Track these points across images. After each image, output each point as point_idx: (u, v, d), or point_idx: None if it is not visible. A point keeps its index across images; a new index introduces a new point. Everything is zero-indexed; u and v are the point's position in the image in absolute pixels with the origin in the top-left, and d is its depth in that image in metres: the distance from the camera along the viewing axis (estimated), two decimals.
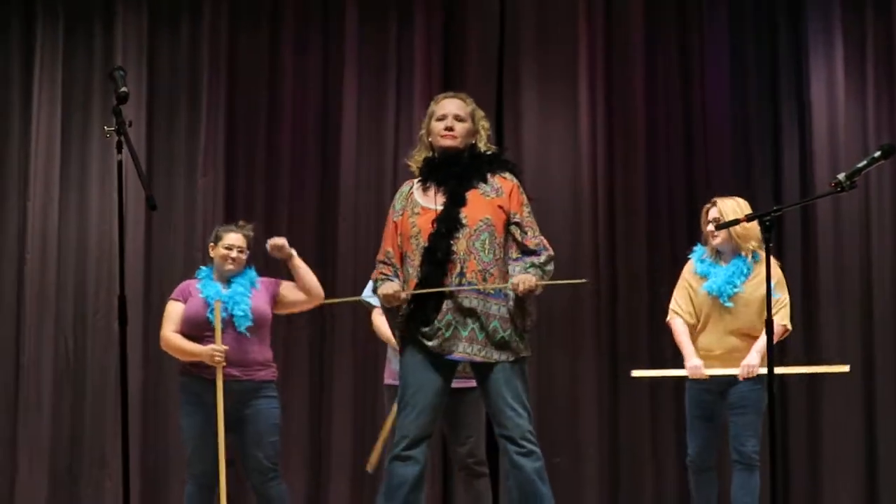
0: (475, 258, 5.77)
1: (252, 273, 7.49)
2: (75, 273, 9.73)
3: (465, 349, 5.78)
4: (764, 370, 7.04)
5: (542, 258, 5.86)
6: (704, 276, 7.58)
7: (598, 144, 9.63)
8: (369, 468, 7.42)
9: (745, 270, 7.48)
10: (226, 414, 7.21)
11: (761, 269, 7.39)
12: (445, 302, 5.77)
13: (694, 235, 8.07)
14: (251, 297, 7.34)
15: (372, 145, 9.77)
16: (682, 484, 8.36)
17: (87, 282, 9.71)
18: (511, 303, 5.82)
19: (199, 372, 7.23)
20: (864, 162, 5.75)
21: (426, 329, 5.79)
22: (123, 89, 5.51)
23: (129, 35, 9.84)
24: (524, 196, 5.98)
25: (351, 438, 9.48)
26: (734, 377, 7.42)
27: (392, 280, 5.86)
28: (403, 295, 5.79)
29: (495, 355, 5.80)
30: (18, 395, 9.60)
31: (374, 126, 9.80)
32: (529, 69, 9.76)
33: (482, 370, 5.85)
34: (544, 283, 5.84)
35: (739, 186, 9.21)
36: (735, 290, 7.43)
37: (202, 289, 7.37)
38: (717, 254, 7.60)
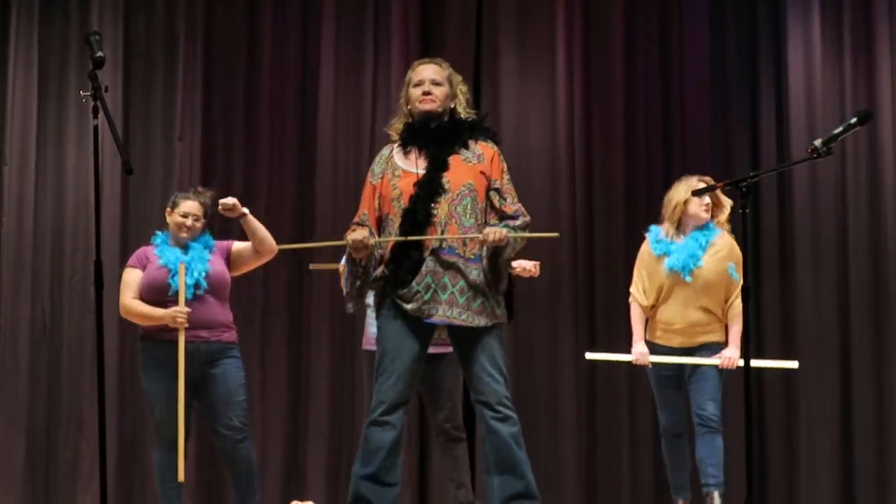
0: (456, 222, 5.77)
1: (208, 238, 7.45)
2: (52, 237, 9.74)
3: (445, 312, 5.77)
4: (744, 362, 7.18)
5: (518, 222, 5.86)
6: (664, 255, 7.66)
7: (575, 113, 9.61)
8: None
9: (704, 243, 7.58)
10: (192, 376, 7.21)
11: (718, 242, 7.58)
12: (424, 264, 5.76)
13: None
14: (210, 260, 7.32)
15: (350, 110, 9.76)
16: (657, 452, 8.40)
17: (63, 245, 9.71)
18: (486, 265, 5.81)
19: (162, 336, 7.19)
20: (841, 128, 5.80)
21: (404, 291, 5.77)
22: (99, 54, 5.53)
23: (102, 5, 9.77)
24: (504, 163, 5.99)
25: (328, 404, 9.50)
26: (692, 349, 7.55)
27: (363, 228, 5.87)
28: (372, 241, 5.76)
29: (475, 319, 5.79)
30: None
31: (352, 91, 9.79)
32: (508, 37, 9.74)
33: (460, 335, 5.86)
34: (515, 235, 5.79)
35: (717, 154, 9.45)
36: (696, 264, 7.52)
37: (160, 255, 7.33)
38: (676, 230, 7.66)
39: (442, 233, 5.74)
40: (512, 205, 5.90)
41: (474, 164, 5.87)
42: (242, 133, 9.80)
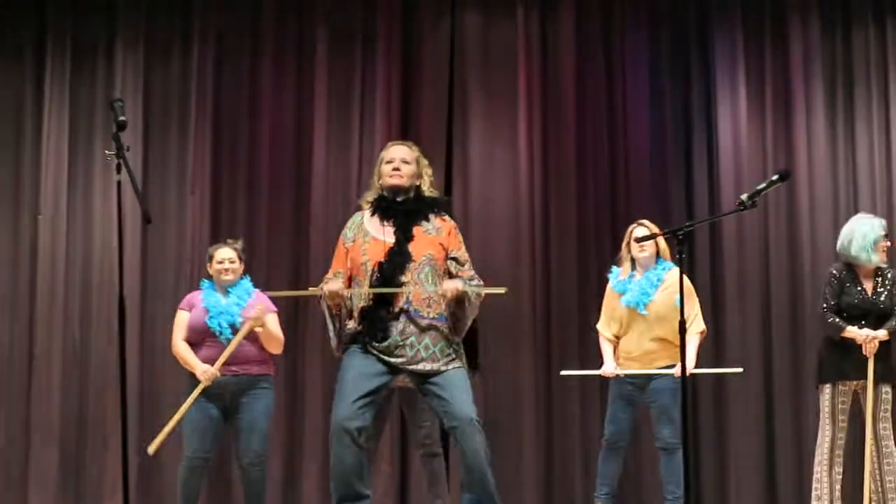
0: (420, 288, 5.79)
1: (247, 283, 7.53)
2: (81, 277, 9.66)
3: (416, 365, 5.77)
4: (696, 370, 7.36)
5: (474, 283, 5.87)
6: (622, 293, 7.74)
7: (535, 172, 9.64)
8: (150, 450, 7.40)
9: (656, 281, 7.65)
10: (223, 404, 7.31)
11: (669, 278, 7.65)
12: (395, 324, 5.77)
13: (616, 248, 8.14)
14: (246, 303, 7.39)
15: (339, 167, 9.74)
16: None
17: (90, 284, 9.64)
18: (449, 321, 5.84)
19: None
20: (764, 184, 5.84)
21: (378, 345, 5.78)
22: (122, 118, 5.57)
23: (127, 69, 9.78)
24: (460, 235, 6.03)
25: (322, 430, 9.06)
26: (652, 376, 7.59)
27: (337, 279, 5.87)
28: (345, 292, 5.77)
29: (440, 367, 5.78)
30: (31, 382, 9.53)
31: (342, 146, 9.76)
32: (476, 110, 9.77)
33: (428, 380, 5.82)
34: (470, 288, 5.78)
35: (656, 206, 9.44)
36: (649, 299, 7.60)
37: (204, 299, 7.43)
38: (633, 269, 7.75)
39: (408, 296, 5.73)
40: (468, 270, 5.93)
41: (434, 237, 5.90)
42: (245, 187, 9.77)
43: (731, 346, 9.23)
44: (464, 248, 6.03)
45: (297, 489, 9.34)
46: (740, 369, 8.08)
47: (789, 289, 9.38)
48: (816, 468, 7.50)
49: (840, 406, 7.49)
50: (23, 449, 9.53)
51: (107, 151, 5.79)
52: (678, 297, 7.44)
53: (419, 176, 6.04)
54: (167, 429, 7.38)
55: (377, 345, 5.78)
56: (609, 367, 7.72)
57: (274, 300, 7.51)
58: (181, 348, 7.36)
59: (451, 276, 5.91)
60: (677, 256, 5.99)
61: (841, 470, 7.49)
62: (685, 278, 7.56)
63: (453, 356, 5.87)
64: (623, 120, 9.76)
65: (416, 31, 9.92)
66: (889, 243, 7.61)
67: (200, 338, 7.36)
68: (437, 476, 7.35)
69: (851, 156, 9.61)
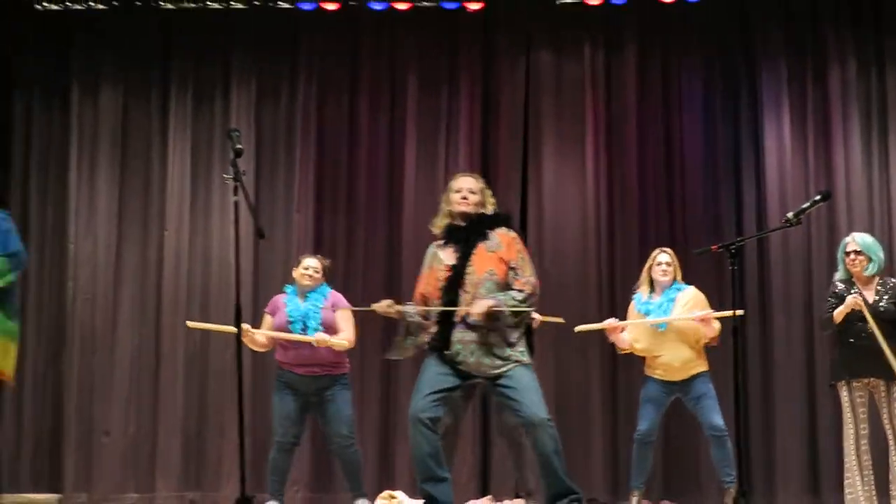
0: (474, 302, 5.89)
1: (325, 288, 7.75)
2: (200, 286, 9.88)
3: (478, 369, 5.94)
4: (715, 312, 7.58)
5: (520, 296, 5.96)
6: (646, 314, 7.89)
7: (600, 190, 9.73)
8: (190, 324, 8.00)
9: (671, 300, 7.82)
10: (309, 399, 7.59)
11: (682, 297, 7.85)
12: (453, 334, 5.94)
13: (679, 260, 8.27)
14: (322, 309, 7.62)
15: (427, 189, 9.82)
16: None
17: (209, 292, 9.85)
18: (504, 334, 5.95)
19: (291, 368, 7.59)
20: (807, 204, 5.98)
21: (448, 354, 5.96)
22: (239, 146, 5.70)
23: (241, 106, 10.01)
24: (520, 244, 6.11)
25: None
26: (687, 381, 7.78)
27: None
28: (392, 310, 6.07)
29: (500, 369, 5.93)
30: (158, 379, 9.74)
31: (429, 173, 9.90)
32: (547, 130, 9.87)
33: (495, 380, 5.97)
34: (506, 309, 5.87)
35: (709, 224, 9.55)
36: (666, 319, 7.74)
37: (287, 303, 7.68)
38: (651, 290, 7.93)
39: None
40: (522, 277, 6.00)
41: (494, 253, 5.99)
42: (344, 207, 9.90)
43: (778, 348, 9.29)
44: (521, 256, 6.07)
45: (390, 466, 9.43)
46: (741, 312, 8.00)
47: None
48: (846, 459, 7.51)
49: (858, 400, 7.46)
50: (150, 438, 9.70)
51: (225, 175, 5.96)
52: (695, 311, 7.69)
53: (483, 204, 6.17)
54: (214, 328, 7.96)
55: (445, 353, 5.96)
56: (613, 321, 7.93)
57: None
58: (254, 338, 7.66)
59: (508, 287, 5.99)
60: (729, 268, 5.98)
61: (869, 458, 7.47)
62: (698, 292, 7.84)
63: (515, 356, 5.97)
64: (679, 147, 9.81)
65: (494, 70, 10.02)
66: (854, 257, 7.53)
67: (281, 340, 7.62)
68: (523, 461, 7.54)
69: (885, 178, 9.58)
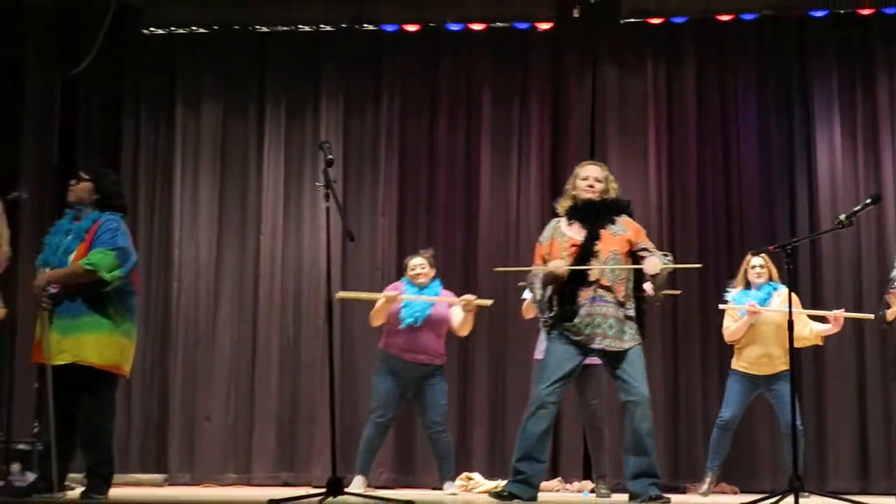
0: (605, 278, 6.01)
1: (437, 286, 7.88)
2: (293, 285, 9.98)
3: (601, 342, 5.99)
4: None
5: (668, 257, 6.21)
6: (761, 304, 7.87)
7: (662, 196, 9.75)
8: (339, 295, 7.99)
9: (767, 296, 7.84)
10: (409, 385, 7.71)
11: (777, 297, 7.83)
12: (583, 308, 5.99)
13: (732, 261, 8.44)
14: (435, 305, 7.75)
15: (501, 195, 9.93)
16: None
17: (301, 291, 9.94)
18: (629, 311, 6.05)
19: (398, 353, 7.70)
20: (859, 206, 5.98)
21: (570, 325, 6.01)
22: (330, 157, 5.76)
23: (329, 120, 10.12)
24: (643, 230, 6.25)
25: (486, 402, 9.59)
26: (772, 376, 7.79)
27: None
28: (564, 269, 5.99)
29: (622, 345, 6.01)
30: (255, 370, 9.86)
31: (502, 181, 9.97)
32: (612, 140, 9.90)
33: (611, 356, 6.05)
34: (666, 266, 6.08)
35: (764, 227, 9.52)
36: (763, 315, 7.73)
37: (405, 291, 7.81)
38: (748, 287, 7.94)
39: (595, 285, 5.97)
40: (655, 250, 6.14)
41: (620, 236, 6.08)
42: (425, 211, 9.99)
43: (829, 341, 8.96)
44: (646, 239, 6.21)
45: (467, 450, 9.40)
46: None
47: (877, 295, 8.98)
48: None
49: None
50: (247, 424, 9.81)
51: (317, 183, 6.04)
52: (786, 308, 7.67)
53: (607, 191, 6.27)
54: (364, 296, 8.03)
55: (569, 325, 5.99)
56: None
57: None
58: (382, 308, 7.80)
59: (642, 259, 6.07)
60: (785, 267, 6.02)
61: None
62: (791, 294, 7.83)
63: (633, 335, 6.05)
64: (736, 156, 9.78)
65: (562, 86, 10.03)
66: None
67: (393, 321, 7.75)
68: (600, 445, 7.62)
69: None
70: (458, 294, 8.11)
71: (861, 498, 5.69)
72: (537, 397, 6.04)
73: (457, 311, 7.82)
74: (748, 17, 9.78)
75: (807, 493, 5.41)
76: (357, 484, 7.56)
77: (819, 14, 9.70)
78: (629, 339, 6.05)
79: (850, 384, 9.36)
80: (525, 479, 5.99)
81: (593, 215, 6.18)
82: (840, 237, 9.31)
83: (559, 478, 9.07)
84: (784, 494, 5.28)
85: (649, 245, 6.19)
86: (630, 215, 6.30)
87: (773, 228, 9.56)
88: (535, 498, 6.01)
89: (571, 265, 6.02)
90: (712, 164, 9.85)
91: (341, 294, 8.46)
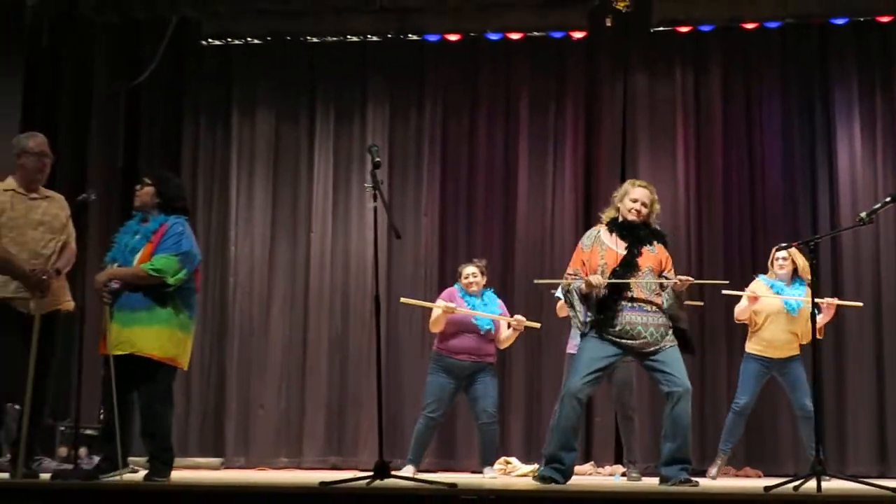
0: (641, 290, 6.09)
1: (491, 294, 7.87)
2: (342, 280, 10.03)
3: (639, 347, 6.07)
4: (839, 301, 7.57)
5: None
6: (778, 293, 7.86)
7: (690, 196, 9.74)
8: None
9: (802, 293, 7.81)
10: (462, 382, 7.70)
11: (807, 291, 7.77)
12: (622, 314, 6.06)
13: (756, 259, 8.38)
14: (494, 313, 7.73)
15: (537, 197, 9.94)
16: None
17: (349, 286, 9.99)
18: (664, 317, 6.12)
19: (451, 354, 7.66)
20: (879, 204, 5.94)
21: (612, 330, 6.07)
22: (378, 160, 5.72)
23: (376, 125, 10.17)
24: (670, 259, 6.30)
25: (524, 395, 9.63)
26: (785, 359, 7.74)
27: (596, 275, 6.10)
28: (603, 282, 6.03)
29: (659, 345, 6.08)
30: (305, 361, 9.93)
31: (538, 181, 9.98)
32: (643, 145, 9.90)
33: (651, 357, 6.10)
34: (694, 281, 6.25)
35: (787, 226, 9.47)
36: (799, 305, 7.74)
37: (465, 300, 7.77)
38: (779, 280, 7.88)
39: (632, 295, 6.05)
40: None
41: (654, 255, 6.16)
42: (465, 210, 10.02)
43: (849, 332, 9.20)
44: (671, 268, 6.28)
45: (505, 436, 9.15)
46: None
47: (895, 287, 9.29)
48: None
49: None
50: (298, 411, 9.89)
51: (365, 185, 6.08)
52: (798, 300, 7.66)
53: (651, 213, 6.32)
54: (424, 304, 8.03)
55: (611, 330, 6.06)
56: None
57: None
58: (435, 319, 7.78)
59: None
60: (809, 262, 6.01)
61: None
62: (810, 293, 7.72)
63: (669, 337, 6.11)
64: (760, 157, 9.76)
65: (595, 92, 10.03)
66: None
67: (457, 329, 7.71)
68: (631, 433, 7.58)
69: None
70: (506, 304, 8.18)
71: (880, 481, 5.62)
72: (570, 390, 6.09)
73: (503, 325, 7.83)
74: (772, 25, 9.72)
75: (828, 477, 5.34)
76: (407, 471, 7.55)
77: (839, 21, 9.63)
78: (668, 340, 6.13)
79: (868, 371, 9.31)
80: (560, 465, 6.03)
81: (636, 233, 6.26)
82: (860, 234, 9.25)
83: (591, 462, 9.08)
84: (807, 478, 5.23)
85: (672, 271, 6.28)
86: (665, 245, 6.36)
87: (795, 226, 9.51)
88: (568, 480, 6.06)
89: (610, 276, 6.09)
90: (738, 165, 9.82)
91: (404, 300, 8.48)
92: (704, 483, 7.43)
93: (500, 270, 9.75)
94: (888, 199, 5.95)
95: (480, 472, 7.99)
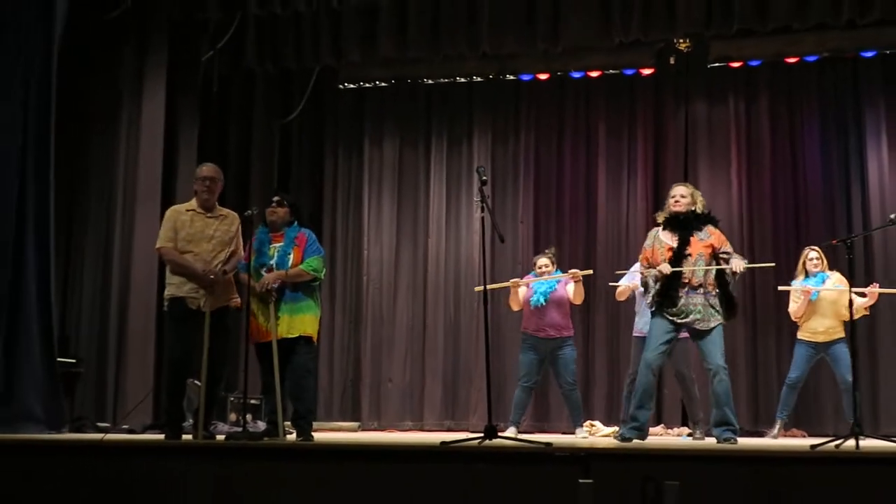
0: (695, 276, 6.03)
1: (556, 274, 7.72)
2: (453, 277, 10.08)
3: (694, 323, 6.03)
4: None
5: (745, 261, 6.14)
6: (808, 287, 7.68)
7: (742, 204, 9.59)
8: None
9: (821, 281, 7.64)
10: (545, 355, 7.57)
11: (830, 280, 7.63)
12: (681, 298, 6.02)
13: (800, 255, 8.03)
14: (554, 289, 7.62)
15: (614, 205, 9.86)
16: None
17: (460, 281, 10.02)
18: (716, 298, 6.03)
19: (533, 333, 7.60)
20: None
21: (672, 309, 6.04)
22: (485, 178, 5.64)
23: (481, 148, 10.21)
24: (724, 236, 6.21)
25: (606, 365, 9.54)
26: (830, 343, 7.55)
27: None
28: (668, 270, 6.01)
29: (708, 325, 6.01)
30: (425, 342, 9.99)
31: (615, 195, 9.87)
32: (703, 164, 9.76)
33: (699, 334, 6.05)
34: (746, 265, 6.10)
35: (825, 227, 9.26)
36: (818, 294, 7.58)
37: (535, 287, 7.72)
38: (806, 277, 7.74)
39: (687, 281, 5.98)
40: (735, 255, 6.13)
41: (704, 240, 6.08)
42: (555, 218, 9.98)
43: (881, 316, 8.92)
44: (728, 244, 6.18)
45: (589, 404, 9.28)
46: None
47: None
48: None
49: None
50: (420, 384, 9.96)
51: (475, 199, 6.19)
52: (839, 285, 7.50)
53: (693, 203, 6.23)
54: (496, 286, 7.92)
55: (671, 310, 6.03)
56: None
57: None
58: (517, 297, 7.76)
59: (724, 261, 6.08)
60: (846, 257, 5.82)
61: None
62: (840, 275, 7.58)
63: (717, 317, 6.03)
64: (802, 171, 9.59)
65: (662, 118, 9.94)
66: None
67: (527, 309, 7.70)
68: (692, 400, 7.50)
69: None
70: (587, 295, 8.08)
71: None
72: (645, 360, 6.09)
73: (570, 287, 7.70)
74: (811, 59, 9.54)
75: (864, 437, 5.23)
76: (510, 432, 7.54)
77: (868, 54, 9.42)
78: (714, 320, 6.04)
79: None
80: (638, 425, 6.03)
81: (683, 224, 6.16)
82: (889, 232, 9.01)
83: (662, 424, 8.99)
84: (846, 437, 5.12)
85: (730, 249, 6.16)
86: (715, 225, 6.24)
87: (833, 227, 9.31)
88: (645, 437, 6.08)
89: (671, 265, 6.04)
90: (783, 179, 9.65)
91: (478, 288, 8.45)
92: (765, 441, 7.34)
93: (583, 265, 9.55)
94: None
95: (572, 433, 7.94)
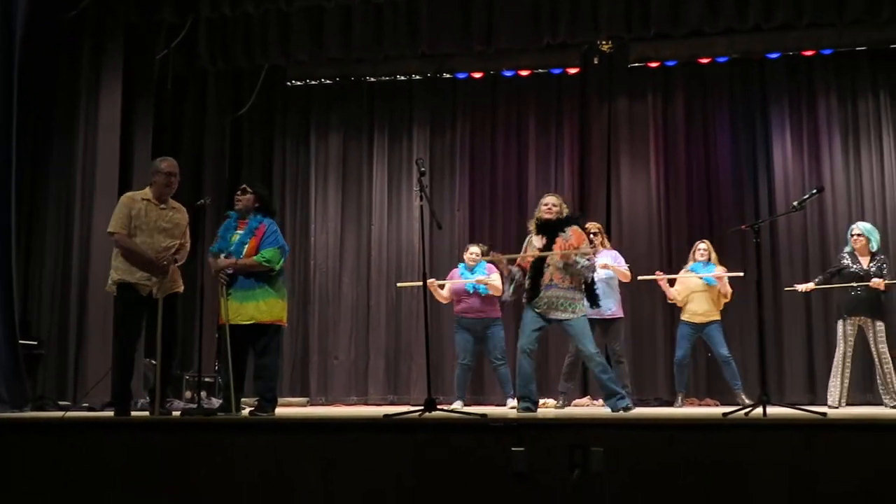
0: (557, 273, 6.14)
1: (482, 266, 7.75)
2: (395, 261, 10.02)
3: (556, 315, 6.13)
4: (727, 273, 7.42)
5: (583, 261, 6.13)
6: (695, 272, 7.90)
7: (660, 193, 9.65)
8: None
9: (708, 269, 7.81)
10: (477, 335, 7.61)
11: (712, 269, 7.81)
12: (543, 291, 6.12)
13: (713, 238, 8.19)
14: (479, 278, 7.64)
15: (542, 196, 9.73)
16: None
17: (401, 266, 9.95)
18: (574, 291, 6.12)
19: (464, 314, 7.61)
20: (807, 195, 5.85)
21: (537, 304, 6.14)
22: (423, 169, 5.69)
23: (420, 141, 10.13)
24: (583, 234, 6.28)
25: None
26: (706, 324, 7.76)
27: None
28: (509, 268, 6.24)
29: (570, 316, 6.12)
30: (369, 320, 9.85)
31: (543, 184, 9.75)
32: (623, 155, 9.80)
33: (566, 323, 6.14)
34: (576, 256, 6.03)
35: (736, 213, 9.33)
36: (707, 280, 7.81)
37: (461, 274, 7.76)
38: (697, 263, 7.92)
39: (551, 277, 6.08)
40: (584, 252, 6.14)
41: (567, 241, 6.16)
42: (489, 206, 9.97)
43: (785, 295, 8.95)
44: (585, 242, 6.24)
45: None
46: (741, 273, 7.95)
47: (820, 261, 9.18)
48: (834, 370, 7.34)
49: (849, 331, 7.31)
50: (364, 361, 9.91)
51: (415, 188, 6.18)
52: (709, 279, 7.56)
53: (561, 212, 6.32)
54: (414, 284, 7.98)
55: (535, 302, 6.13)
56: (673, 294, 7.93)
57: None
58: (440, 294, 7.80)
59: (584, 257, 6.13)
60: (753, 241, 5.75)
61: (849, 371, 7.30)
62: (721, 268, 7.73)
63: (578, 308, 6.13)
64: (715, 160, 9.67)
65: (587, 114, 9.95)
66: (857, 239, 7.42)
67: (458, 296, 7.72)
68: (622, 374, 7.47)
69: (858, 178, 9.38)
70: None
71: (810, 407, 5.60)
72: (521, 347, 6.17)
73: (495, 280, 7.65)
74: (722, 60, 9.64)
75: (771, 405, 5.33)
76: (457, 405, 7.55)
77: (774, 56, 9.54)
78: (575, 311, 6.13)
79: (800, 323, 9.26)
80: (531, 400, 6.16)
81: (551, 228, 6.27)
82: (792, 219, 9.17)
83: (588, 396, 9.04)
84: (755, 405, 5.21)
85: (588, 249, 6.21)
86: (580, 226, 6.34)
87: (742, 214, 9.40)
88: (535, 410, 6.17)
89: (532, 264, 6.17)
90: (697, 170, 9.73)
91: (400, 284, 8.56)
92: (680, 410, 7.45)
93: (515, 251, 9.68)
94: (814, 191, 5.87)
95: (503, 405, 7.95)
